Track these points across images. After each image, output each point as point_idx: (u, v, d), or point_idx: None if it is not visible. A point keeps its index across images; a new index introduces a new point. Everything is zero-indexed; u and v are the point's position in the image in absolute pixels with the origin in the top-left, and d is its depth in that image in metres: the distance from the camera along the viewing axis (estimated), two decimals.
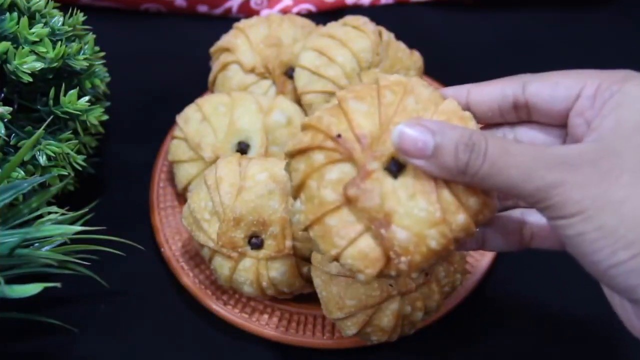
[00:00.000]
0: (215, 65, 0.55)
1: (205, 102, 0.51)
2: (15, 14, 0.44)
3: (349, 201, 0.30)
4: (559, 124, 0.34)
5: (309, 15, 0.67)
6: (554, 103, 0.33)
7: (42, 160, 0.44)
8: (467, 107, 0.34)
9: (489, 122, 0.35)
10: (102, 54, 0.49)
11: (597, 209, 0.28)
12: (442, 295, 0.43)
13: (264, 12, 0.67)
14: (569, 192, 0.29)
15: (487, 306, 0.49)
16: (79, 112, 0.46)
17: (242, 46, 0.54)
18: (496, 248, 0.36)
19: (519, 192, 0.29)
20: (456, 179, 0.30)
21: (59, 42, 0.44)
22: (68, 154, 0.46)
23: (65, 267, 0.44)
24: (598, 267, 0.29)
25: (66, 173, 0.46)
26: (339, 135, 0.31)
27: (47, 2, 0.46)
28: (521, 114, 0.34)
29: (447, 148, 0.29)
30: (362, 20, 0.53)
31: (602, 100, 0.31)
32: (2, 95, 0.46)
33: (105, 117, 0.48)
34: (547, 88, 0.33)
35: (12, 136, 0.45)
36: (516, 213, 0.36)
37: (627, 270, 0.29)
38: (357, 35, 0.51)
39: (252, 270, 0.44)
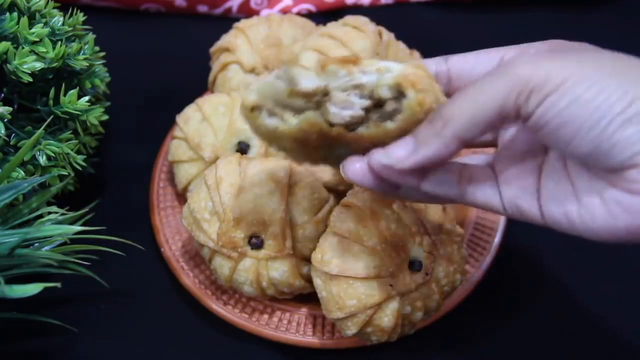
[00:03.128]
0: (215, 65, 0.55)
1: (205, 102, 0.51)
2: (15, 14, 0.44)
3: None
4: None
5: (309, 15, 0.67)
6: (476, 70, 0.35)
7: (42, 160, 0.44)
8: None
9: None
10: (102, 54, 0.49)
11: (582, 70, 0.29)
12: (442, 295, 0.43)
13: (264, 12, 0.67)
14: (548, 67, 0.29)
15: (487, 306, 0.49)
16: (79, 112, 0.46)
17: (242, 46, 0.54)
18: (434, 186, 0.35)
19: (496, 108, 0.30)
20: (447, 144, 0.31)
21: (59, 42, 0.44)
22: (68, 154, 0.46)
23: (65, 267, 0.44)
24: (596, 129, 0.29)
25: (66, 173, 0.46)
26: None
27: (47, 2, 0.46)
28: (443, 88, 0.35)
29: (423, 128, 0.32)
30: (362, 20, 0.53)
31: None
32: (2, 95, 0.46)
33: (105, 117, 0.48)
34: (469, 59, 0.35)
35: (12, 136, 0.45)
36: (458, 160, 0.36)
37: (625, 119, 0.28)
38: (357, 35, 0.51)
39: (252, 270, 0.44)
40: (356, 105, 0.33)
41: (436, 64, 0.36)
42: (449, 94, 0.35)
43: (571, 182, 0.32)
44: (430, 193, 0.34)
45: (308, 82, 0.33)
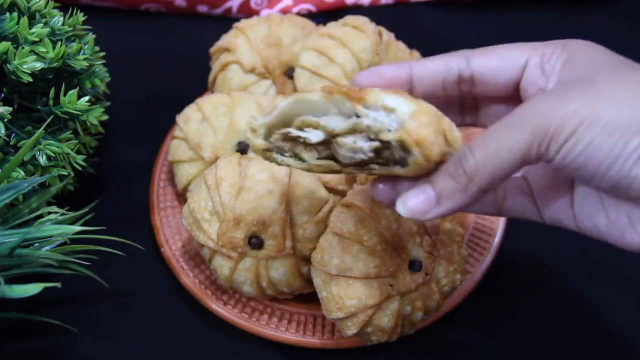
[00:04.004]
0: (215, 65, 0.55)
1: (205, 102, 0.51)
2: (15, 14, 0.44)
3: None
4: (503, 96, 0.36)
5: (309, 15, 0.67)
6: (500, 73, 0.35)
7: (42, 160, 0.44)
8: (410, 83, 0.35)
9: (430, 98, 0.35)
10: (102, 54, 0.49)
11: (594, 112, 0.29)
12: (442, 295, 0.43)
13: (264, 12, 0.67)
14: (561, 111, 0.29)
15: (487, 306, 0.49)
16: (79, 112, 0.46)
17: (242, 46, 0.54)
18: (472, 208, 0.36)
19: (518, 159, 0.30)
20: (471, 197, 0.31)
21: (59, 42, 0.44)
22: (68, 154, 0.46)
23: (65, 267, 0.44)
24: (615, 167, 0.30)
25: (66, 173, 0.46)
26: None
27: (47, 2, 0.46)
28: (464, 88, 0.36)
29: (443, 182, 0.31)
30: (362, 20, 0.53)
31: (551, 65, 0.33)
32: (2, 95, 0.46)
33: (105, 117, 0.48)
34: (492, 60, 0.35)
35: (12, 136, 0.45)
36: None
37: (639, 156, 0.29)
38: (357, 35, 0.51)
39: (252, 270, 0.44)
40: (365, 149, 0.33)
41: (457, 64, 0.35)
42: (472, 98, 0.36)
43: (600, 198, 0.33)
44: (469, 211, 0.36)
45: (314, 136, 0.34)
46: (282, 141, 0.36)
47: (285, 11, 0.67)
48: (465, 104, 0.39)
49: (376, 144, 0.33)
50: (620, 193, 0.31)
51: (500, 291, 0.50)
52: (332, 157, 0.35)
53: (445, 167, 0.32)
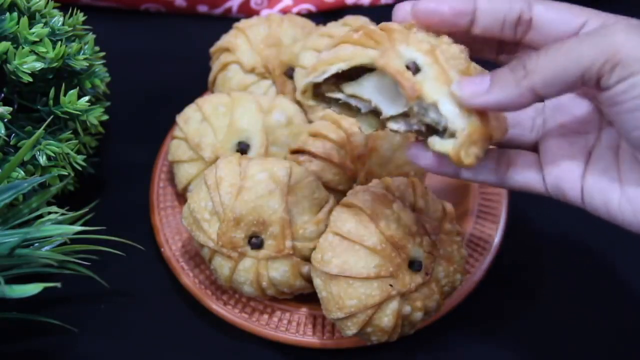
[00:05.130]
0: (215, 65, 0.55)
1: (205, 102, 0.51)
2: (15, 14, 0.44)
3: None
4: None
5: (309, 15, 0.67)
6: (558, 25, 0.34)
7: (42, 160, 0.44)
8: (472, 16, 0.35)
9: (486, 36, 0.36)
10: (102, 54, 0.49)
11: None
12: (442, 295, 0.43)
13: (264, 12, 0.67)
14: (634, 42, 0.29)
15: (487, 306, 0.49)
16: (79, 112, 0.46)
17: (242, 46, 0.54)
18: (473, 175, 0.36)
19: (580, 72, 0.29)
20: (521, 95, 0.31)
21: (59, 42, 0.44)
22: (68, 154, 0.46)
23: (65, 267, 0.44)
24: None
25: (66, 173, 0.46)
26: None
27: (47, 2, 0.46)
28: (520, 31, 0.35)
29: (502, 72, 0.31)
30: (362, 20, 0.53)
31: None
32: (2, 95, 0.46)
33: (105, 117, 0.48)
34: (553, 11, 0.34)
35: (12, 136, 0.45)
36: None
37: None
38: None
39: (252, 270, 0.44)
40: (412, 130, 0.35)
41: (520, 5, 0.35)
42: (530, 42, 0.35)
43: (619, 171, 0.32)
44: (471, 179, 0.36)
45: (364, 107, 0.35)
46: (329, 99, 0.37)
47: (285, 11, 0.67)
48: (505, 46, 0.38)
49: (423, 128, 0.34)
50: None
51: (500, 291, 0.50)
52: (377, 117, 0.36)
53: (509, 63, 0.32)
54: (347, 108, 0.37)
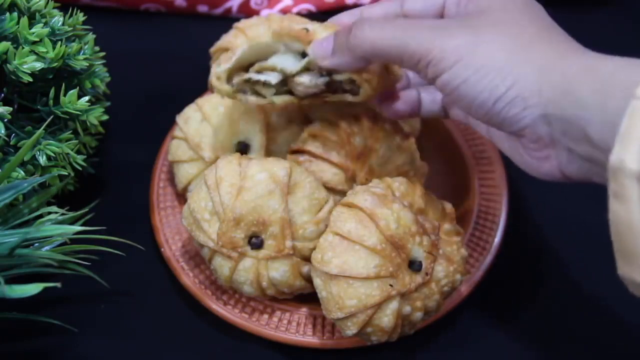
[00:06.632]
0: (215, 65, 0.55)
1: (205, 102, 0.51)
2: (15, 14, 0.44)
3: None
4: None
5: (309, 15, 0.67)
6: (426, 12, 0.40)
7: (42, 160, 0.44)
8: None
9: None
10: (102, 54, 0.49)
11: (472, 53, 0.33)
12: (442, 295, 0.43)
13: (264, 12, 0.67)
14: (444, 44, 0.33)
15: (487, 306, 0.49)
16: (79, 112, 0.46)
17: (242, 46, 0.54)
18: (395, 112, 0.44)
19: (400, 56, 0.35)
20: (348, 62, 0.38)
21: (59, 42, 0.44)
22: (68, 154, 0.46)
23: (65, 267, 0.44)
24: (485, 107, 0.33)
25: (66, 173, 0.46)
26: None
27: (47, 2, 0.46)
28: None
29: (339, 39, 0.38)
30: None
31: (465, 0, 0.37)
32: (2, 95, 0.46)
33: (105, 117, 0.48)
34: (419, 2, 0.40)
35: (12, 136, 0.45)
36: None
37: (507, 102, 0.33)
38: None
39: (252, 270, 0.44)
40: (319, 85, 0.41)
41: (394, 9, 0.41)
42: None
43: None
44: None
45: (273, 77, 0.41)
46: (244, 83, 0.42)
47: (285, 11, 0.67)
48: None
49: (327, 79, 0.40)
50: (494, 125, 0.35)
51: (500, 291, 0.50)
52: (289, 92, 0.42)
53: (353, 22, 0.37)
54: (260, 92, 0.42)
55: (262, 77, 0.41)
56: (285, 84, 0.42)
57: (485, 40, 0.33)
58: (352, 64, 0.38)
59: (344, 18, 0.42)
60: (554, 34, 0.35)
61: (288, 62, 0.41)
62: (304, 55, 0.40)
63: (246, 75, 0.42)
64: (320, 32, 0.39)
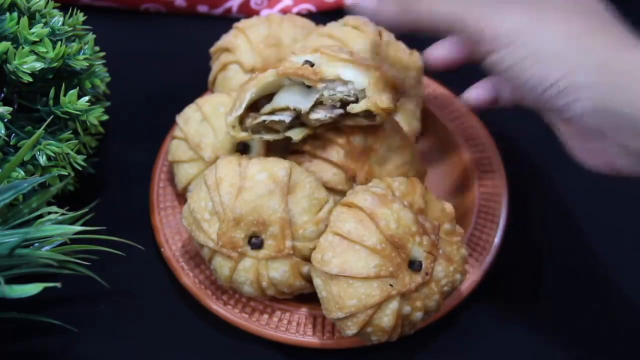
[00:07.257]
0: (215, 65, 0.55)
1: (205, 102, 0.51)
2: (15, 14, 0.44)
3: None
4: None
5: (309, 15, 0.67)
6: None
7: (42, 160, 0.44)
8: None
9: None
10: (102, 54, 0.49)
11: (525, 36, 0.32)
12: (442, 295, 0.43)
13: (264, 12, 0.67)
14: (497, 24, 0.33)
15: (487, 306, 0.49)
16: (79, 112, 0.46)
17: (242, 46, 0.54)
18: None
19: (453, 28, 0.35)
20: (399, 21, 0.38)
21: (59, 42, 0.44)
22: (68, 154, 0.46)
23: (65, 267, 0.44)
24: (535, 92, 0.33)
25: (66, 173, 0.46)
26: None
27: (47, 2, 0.46)
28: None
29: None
30: (362, 20, 0.53)
31: None
32: (2, 95, 0.46)
33: (105, 117, 0.48)
34: None
35: (12, 136, 0.45)
36: None
37: (557, 91, 0.32)
38: (357, 35, 0.51)
39: (252, 270, 0.44)
40: (333, 117, 0.42)
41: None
42: None
43: None
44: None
45: (286, 117, 0.42)
46: (258, 125, 0.43)
47: (285, 11, 0.67)
48: None
49: (341, 111, 0.41)
50: (540, 108, 0.34)
51: (500, 291, 0.50)
52: (302, 124, 0.43)
53: None
54: (275, 128, 0.43)
55: (276, 118, 0.42)
56: (297, 117, 0.43)
57: (542, 24, 0.32)
58: (396, 20, 0.38)
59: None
60: (614, 28, 0.34)
61: (298, 98, 0.41)
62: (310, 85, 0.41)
63: (260, 118, 0.43)
64: (324, 64, 0.40)
